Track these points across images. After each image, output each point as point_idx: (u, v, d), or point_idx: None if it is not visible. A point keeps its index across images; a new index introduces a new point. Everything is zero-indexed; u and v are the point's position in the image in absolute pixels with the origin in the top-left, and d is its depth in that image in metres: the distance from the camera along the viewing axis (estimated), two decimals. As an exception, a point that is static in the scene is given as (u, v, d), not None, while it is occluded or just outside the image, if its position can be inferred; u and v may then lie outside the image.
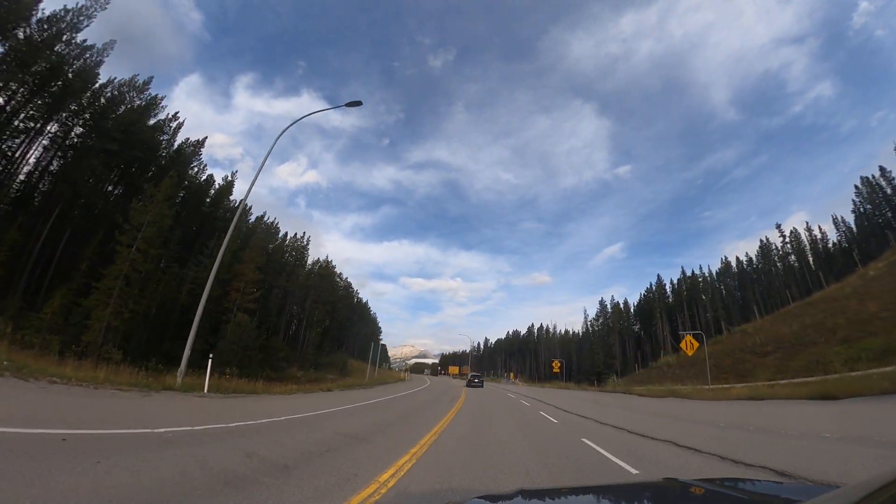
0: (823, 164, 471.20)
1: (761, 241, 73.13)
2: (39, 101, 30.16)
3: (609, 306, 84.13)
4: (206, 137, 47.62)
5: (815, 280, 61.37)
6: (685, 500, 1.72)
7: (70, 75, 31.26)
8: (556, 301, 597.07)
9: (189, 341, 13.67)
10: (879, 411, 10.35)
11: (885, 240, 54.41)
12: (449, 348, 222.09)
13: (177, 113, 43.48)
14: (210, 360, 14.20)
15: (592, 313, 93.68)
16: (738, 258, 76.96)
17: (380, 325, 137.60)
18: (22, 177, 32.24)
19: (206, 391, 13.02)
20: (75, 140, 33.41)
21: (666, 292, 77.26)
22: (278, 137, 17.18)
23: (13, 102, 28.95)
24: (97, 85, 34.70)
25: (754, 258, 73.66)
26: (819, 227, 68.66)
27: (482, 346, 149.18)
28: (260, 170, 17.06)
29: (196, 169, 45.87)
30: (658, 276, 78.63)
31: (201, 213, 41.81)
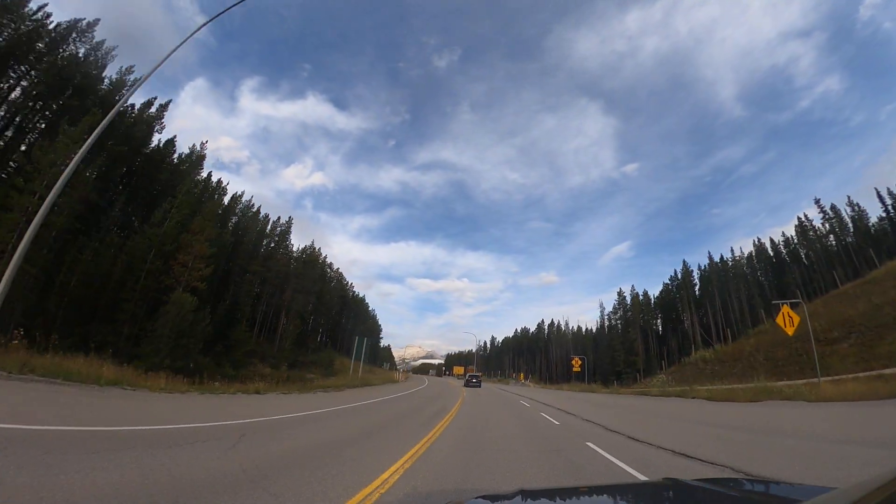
0: (833, 160, 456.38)
1: (799, 218, 64.58)
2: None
3: (628, 298, 76.11)
4: (170, 101, 41.22)
5: (861, 259, 53.32)
6: (685, 500, 1.69)
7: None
8: (565, 301, 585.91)
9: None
10: None
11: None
12: (455, 349, 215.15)
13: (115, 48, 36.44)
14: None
15: (609, 307, 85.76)
16: (771, 239, 68.46)
17: (380, 323, 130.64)
18: None
19: None
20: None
21: (693, 279, 69.01)
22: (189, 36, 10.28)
23: None
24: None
25: (791, 238, 65.13)
26: (858, 204, 60.21)
27: (489, 346, 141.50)
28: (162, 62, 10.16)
29: (154, 128, 39.62)
30: (683, 261, 70.48)
31: (147, 172, 35.39)
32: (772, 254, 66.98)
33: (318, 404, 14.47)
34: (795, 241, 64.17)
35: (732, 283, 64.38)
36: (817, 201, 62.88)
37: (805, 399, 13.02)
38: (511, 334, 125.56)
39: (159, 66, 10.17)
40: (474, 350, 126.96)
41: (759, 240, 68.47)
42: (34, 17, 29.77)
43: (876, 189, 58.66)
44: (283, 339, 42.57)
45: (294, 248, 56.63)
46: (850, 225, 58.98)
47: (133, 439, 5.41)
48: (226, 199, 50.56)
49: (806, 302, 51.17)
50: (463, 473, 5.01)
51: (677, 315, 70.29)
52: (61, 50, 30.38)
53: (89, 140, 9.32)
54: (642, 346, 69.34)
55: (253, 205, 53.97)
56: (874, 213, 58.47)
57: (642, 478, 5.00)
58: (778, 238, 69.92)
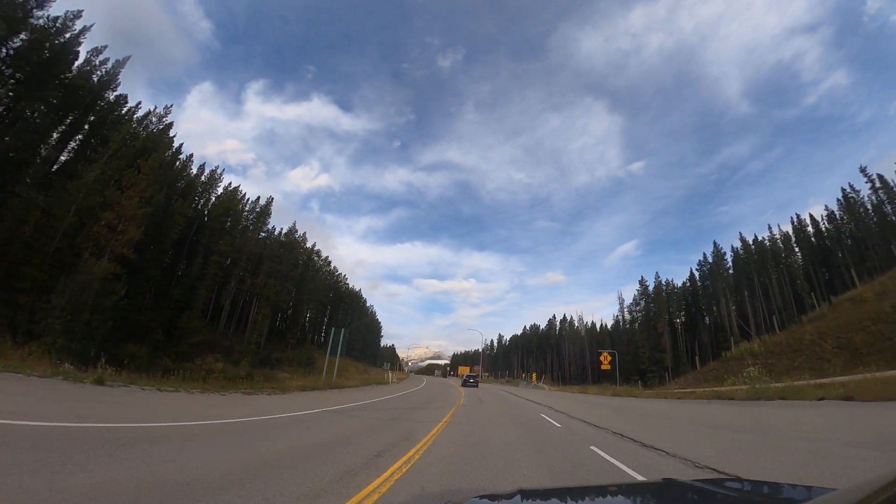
0: (841, 155, 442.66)
1: (843, 190, 56.27)
2: None
3: (651, 288, 68.34)
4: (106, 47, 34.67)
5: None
6: (685, 500, 1.67)
7: None
8: (572, 300, 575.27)
9: None
10: None
11: None
12: (462, 349, 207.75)
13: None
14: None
15: (629, 299, 77.65)
16: (811, 215, 59.85)
17: (378, 319, 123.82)
18: None
19: None
20: None
21: (726, 263, 61.08)
22: None
23: None
24: None
25: (834, 213, 56.67)
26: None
27: (495, 344, 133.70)
28: None
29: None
30: (714, 243, 62.36)
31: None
32: (812, 231, 58.57)
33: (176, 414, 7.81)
34: (839, 216, 55.72)
35: (772, 265, 56.49)
36: (863, 169, 54.63)
37: None
38: (519, 332, 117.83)
39: None
40: (480, 349, 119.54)
41: (797, 217, 60.03)
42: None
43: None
44: (252, 332, 35.82)
45: (278, 232, 50.12)
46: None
47: None
48: (193, 171, 44.32)
49: (866, 280, 43.73)
50: None
51: (708, 305, 62.50)
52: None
53: None
54: (669, 341, 61.58)
55: (231, 185, 47.65)
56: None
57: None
58: (818, 215, 61.39)
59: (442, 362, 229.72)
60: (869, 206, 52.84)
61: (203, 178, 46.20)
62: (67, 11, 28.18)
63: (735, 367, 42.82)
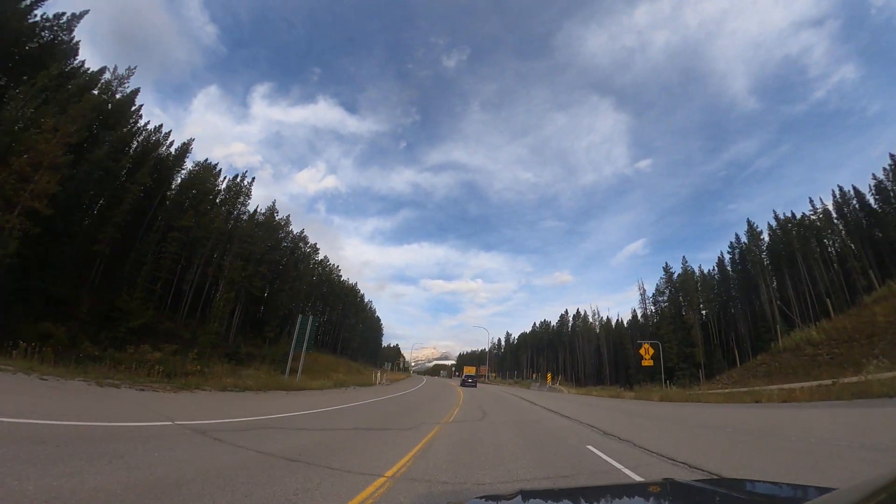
0: (850, 150, 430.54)
1: (892, 154, 48.96)
2: None
3: (675, 276, 61.64)
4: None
5: None
6: (685, 500, 1.65)
7: None
8: (580, 300, 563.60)
9: None
10: None
11: None
12: (469, 349, 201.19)
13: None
14: None
15: (651, 289, 70.42)
16: (854, 187, 52.02)
17: (378, 316, 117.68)
18: None
19: None
20: None
21: (764, 243, 54.21)
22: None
23: None
24: None
25: (885, 181, 48.96)
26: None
27: (503, 343, 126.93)
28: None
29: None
30: (748, 221, 55.31)
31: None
32: (857, 206, 51.02)
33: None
34: (888, 184, 48.09)
35: (815, 243, 49.61)
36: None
37: None
38: (529, 329, 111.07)
39: None
40: (487, 349, 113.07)
41: (840, 189, 52.46)
42: None
43: None
44: (213, 321, 30.00)
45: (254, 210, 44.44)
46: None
47: None
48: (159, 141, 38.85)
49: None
50: None
51: (742, 292, 55.70)
52: None
53: None
54: (700, 334, 54.84)
55: (208, 160, 42.20)
56: None
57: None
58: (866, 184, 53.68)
59: (449, 363, 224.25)
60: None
61: (173, 150, 40.83)
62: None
63: (791, 360, 36.30)
